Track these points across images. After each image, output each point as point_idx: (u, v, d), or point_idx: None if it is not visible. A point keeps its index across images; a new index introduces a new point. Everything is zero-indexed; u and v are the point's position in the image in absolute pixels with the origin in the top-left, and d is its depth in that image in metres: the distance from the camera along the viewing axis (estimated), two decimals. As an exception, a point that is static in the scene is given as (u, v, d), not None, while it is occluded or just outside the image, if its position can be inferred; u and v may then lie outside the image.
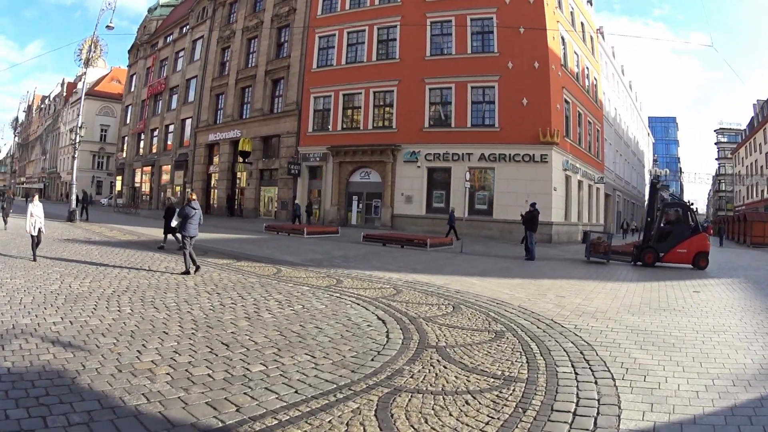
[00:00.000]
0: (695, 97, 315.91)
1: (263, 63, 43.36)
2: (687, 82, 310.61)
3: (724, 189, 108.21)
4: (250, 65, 45.38)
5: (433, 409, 4.81)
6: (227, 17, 49.21)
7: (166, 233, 17.84)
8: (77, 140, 31.73)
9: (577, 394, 5.36)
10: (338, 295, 10.25)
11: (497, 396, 5.19)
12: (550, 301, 10.71)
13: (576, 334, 7.83)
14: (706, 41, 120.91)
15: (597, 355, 6.77)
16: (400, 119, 34.51)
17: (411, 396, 5.09)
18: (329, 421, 4.41)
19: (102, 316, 7.52)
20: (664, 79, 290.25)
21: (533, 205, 21.14)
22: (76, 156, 31.74)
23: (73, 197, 30.06)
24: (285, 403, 4.75)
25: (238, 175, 45.67)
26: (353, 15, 37.40)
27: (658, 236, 19.87)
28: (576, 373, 6.00)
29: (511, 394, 5.25)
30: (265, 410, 4.58)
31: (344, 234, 27.68)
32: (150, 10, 67.66)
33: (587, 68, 41.43)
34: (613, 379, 5.82)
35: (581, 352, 6.85)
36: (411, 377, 5.65)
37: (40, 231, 13.05)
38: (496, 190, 31.44)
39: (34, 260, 12.55)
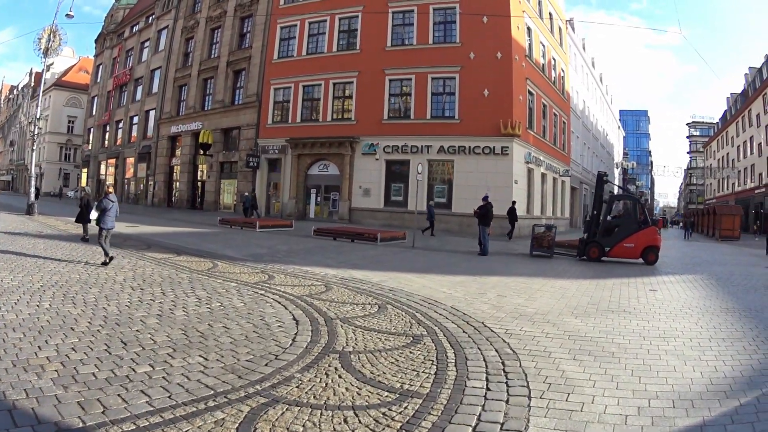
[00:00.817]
0: (671, 92, 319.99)
1: (225, 54, 42.75)
2: (663, 77, 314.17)
3: (695, 182, 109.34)
4: (213, 56, 44.73)
5: (303, 425, 4.30)
6: (192, 7, 48.37)
7: (80, 222, 17.75)
8: (36, 132, 31.99)
9: (480, 416, 4.68)
10: (263, 292, 9.84)
11: (383, 414, 4.60)
12: (488, 301, 10.12)
13: (504, 341, 7.16)
14: (680, 32, 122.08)
15: (520, 366, 6.09)
16: (360, 111, 34.01)
17: (286, 409, 4.60)
18: (186, 431, 4.11)
19: (20, 310, 7.47)
20: (640, 73, 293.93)
21: (485, 198, 20.53)
22: (34, 149, 32.11)
23: (32, 190, 29.80)
24: (152, 408, 4.47)
25: (200, 167, 45.09)
26: (316, 5, 36.73)
27: (604, 230, 19.39)
28: (487, 389, 5.32)
29: (400, 413, 4.63)
30: (129, 414, 4.34)
31: (298, 228, 27.12)
32: (117, -1, 66.03)
33: (554, 59, 41.06)
34: (529, 398, 5.12)
35: (503, 363, 6.17)
36: (297, 387, 5.15)
37: None
38: (456, 183, 31.02)
39: None
